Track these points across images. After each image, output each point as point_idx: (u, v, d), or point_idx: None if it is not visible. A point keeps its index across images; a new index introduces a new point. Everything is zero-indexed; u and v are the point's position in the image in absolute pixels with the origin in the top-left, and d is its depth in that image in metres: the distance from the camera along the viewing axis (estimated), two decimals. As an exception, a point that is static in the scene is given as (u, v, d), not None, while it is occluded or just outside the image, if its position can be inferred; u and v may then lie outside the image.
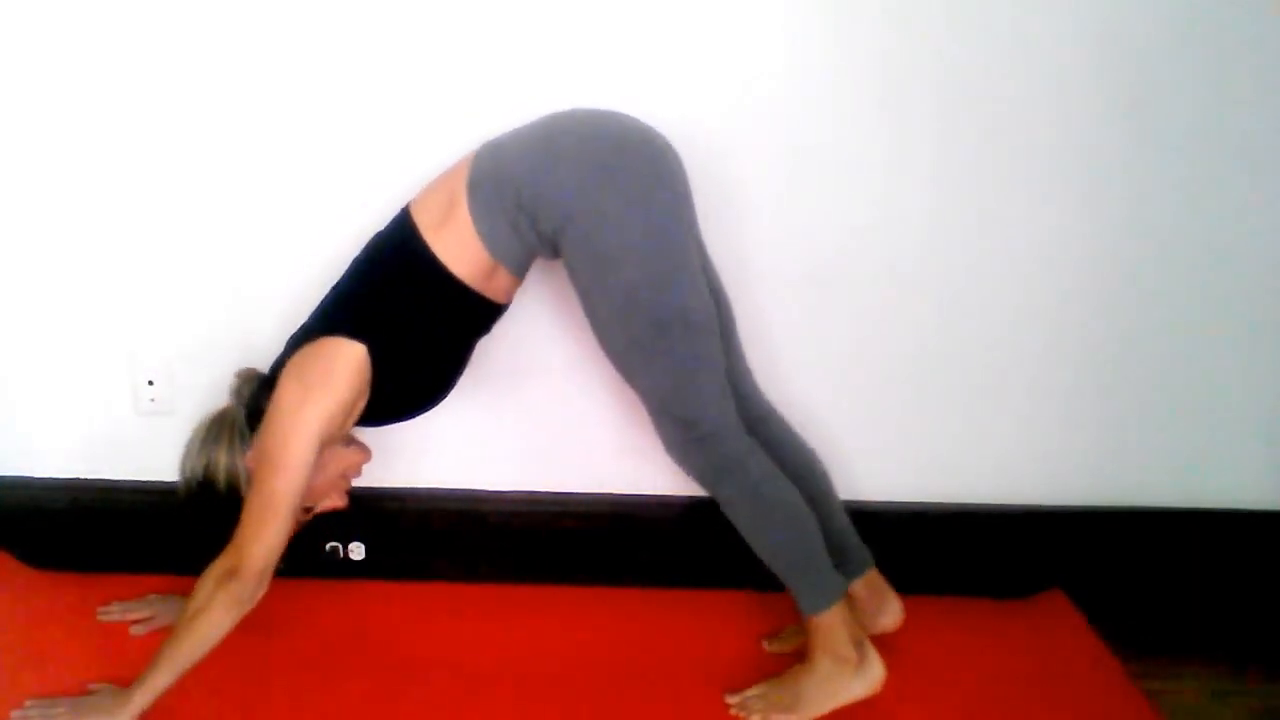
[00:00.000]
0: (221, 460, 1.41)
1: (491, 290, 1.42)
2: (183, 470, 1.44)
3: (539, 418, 1.77)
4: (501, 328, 1.64)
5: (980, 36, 1.56)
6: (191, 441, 1.44)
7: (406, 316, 1.38)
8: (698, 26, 1.55)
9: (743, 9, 1.54)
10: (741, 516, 1.45)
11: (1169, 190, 1.65)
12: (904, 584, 1.67)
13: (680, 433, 1.41)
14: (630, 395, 1.68)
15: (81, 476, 1.78)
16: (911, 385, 1.75)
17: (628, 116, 1.42)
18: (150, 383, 1.72)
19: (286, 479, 1.33)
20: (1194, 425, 1.78)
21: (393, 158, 1.58)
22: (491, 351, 1.68)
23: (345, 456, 1.51)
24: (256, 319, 1.66)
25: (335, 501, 1.55)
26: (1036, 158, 1.62)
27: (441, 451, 1.78)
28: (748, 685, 1.53)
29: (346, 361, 1.35)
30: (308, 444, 1.34)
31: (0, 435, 1.77)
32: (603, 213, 1.31)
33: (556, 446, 1.79)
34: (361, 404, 1.41)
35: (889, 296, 1.70)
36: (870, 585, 1.58)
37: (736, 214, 1.63)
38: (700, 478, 1.44)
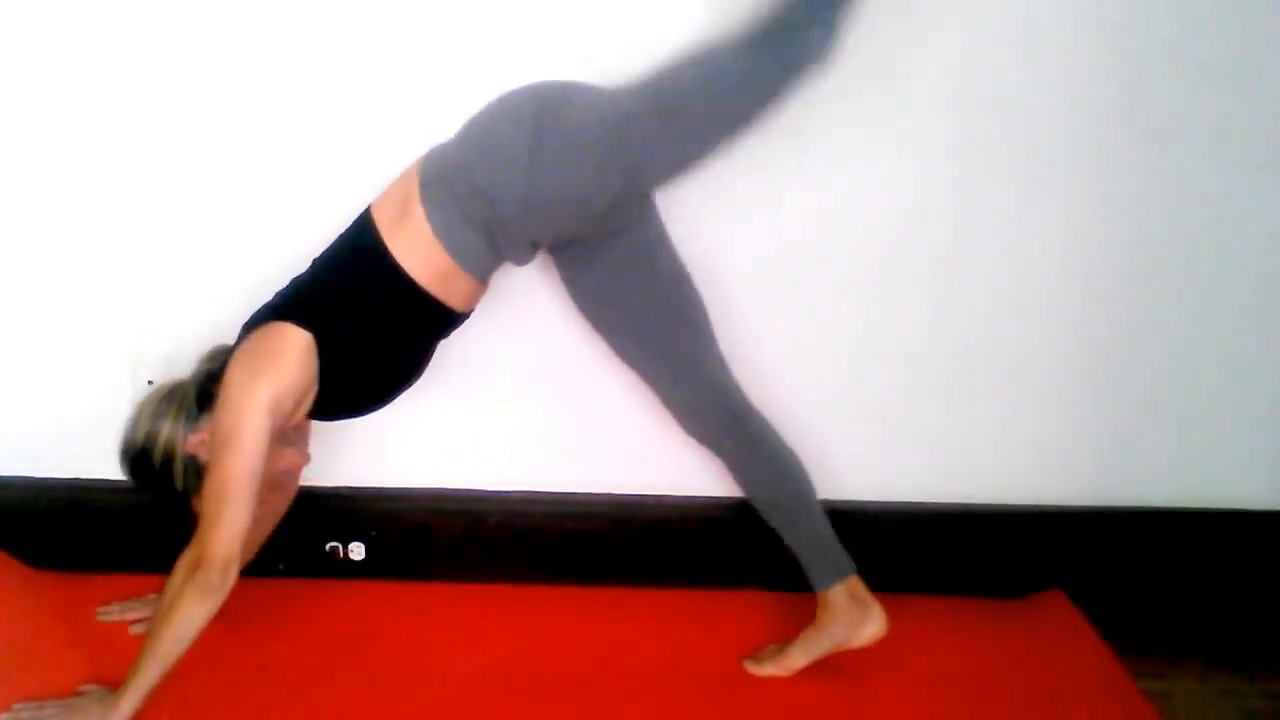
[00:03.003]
0: (163, 433, 1.40)
1: (449, 295, 1.41)
2: (125, 434, 1.43)
3: (540, 418, 1.77)
4: (502, 328, 1.64)
5: (981, 35, 1.56)
6: (140, 409, 1.44)
7: (355, 310, 1.38)
8: (691, 22, 1.54)
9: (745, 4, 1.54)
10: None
11: (1170, 190, 1.65)
12: (904, 584, 1.67)
13: (742, 53, 1.33)
14: (631, 396, 1.68)
15: (81, 476, 1.78)
16: (909, 385, 1.75)
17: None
18: (150, 383, 1.71)
19: (241, 460, 1.31)
20: (1194, 425, 1.79)
21: (394, 161, 1.58)
22: (492, 352, 1.68)
23: (286, 457, 1.49)
24: (256, 319, 1.66)
25: (271, 499, 1.54)
26: (1036, 157, 1.62)
27: (441, 451, 1.78)
28: (747, 684, 1.54)
29: (293, 345, 1.35)
30: (259, 422, 1.32)
31: (0, 435, 1.77)
32: (548, 148, 1.31)
33: (557, 446, 1.79)
34: (310, 394, 1.40)
35: (887, 296, 1.70)
36: (852, 593, 1.56)
37: (731, 213, 1.63)
38: (818, 52, 1.35)
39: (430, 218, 1.34)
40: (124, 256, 1.66)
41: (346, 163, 1.61)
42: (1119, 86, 1.59)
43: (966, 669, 1.61)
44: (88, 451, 1.76)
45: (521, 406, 1.76)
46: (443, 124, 1.51)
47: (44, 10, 1.53)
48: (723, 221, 1.63)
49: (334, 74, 1.57)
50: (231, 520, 1.31)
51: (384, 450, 1.74)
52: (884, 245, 1.67)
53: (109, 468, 1.76)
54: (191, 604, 1.30)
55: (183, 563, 1.34)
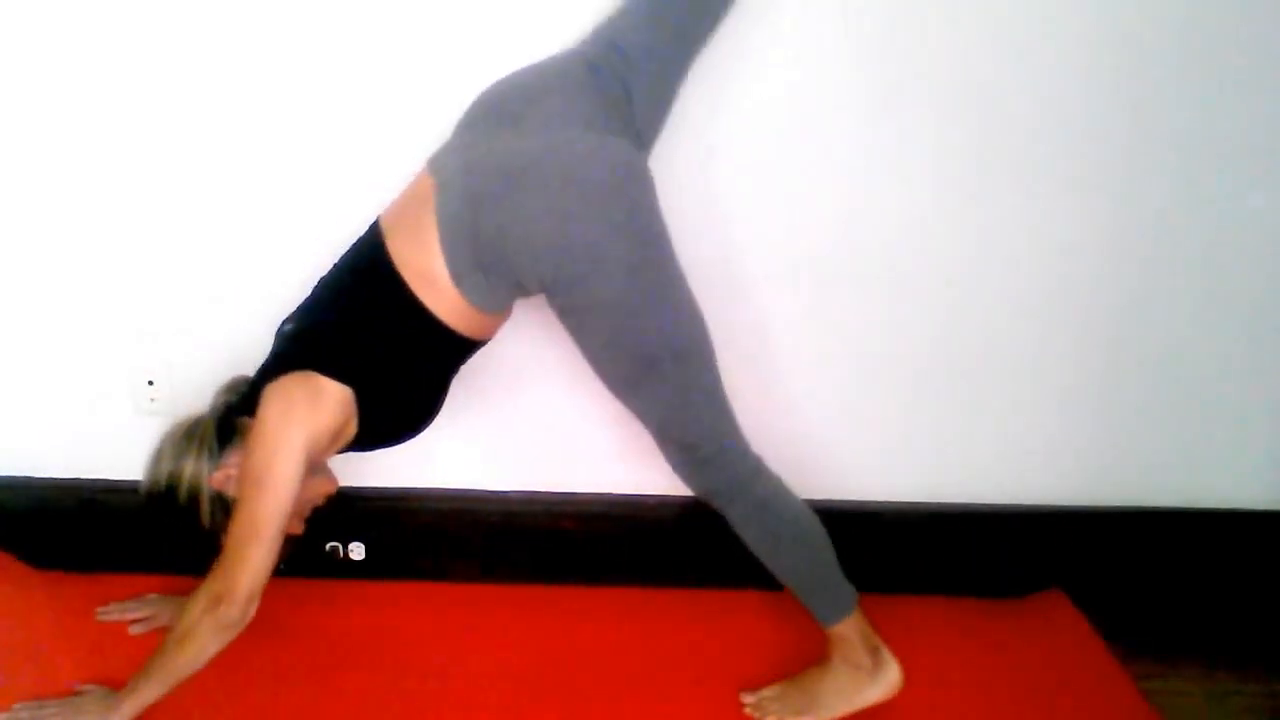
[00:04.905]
0: (187, 471, 1.37)
1: (477, 330, 1.40)
2: (148, 475, 1.41)
3: (539, 418, 1.77)
4: (503, 328, 1.64)
5: (978, 33, 1.56)
6: (161, 447, 1.41)
7: (395, 362, 1.36)
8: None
9: (737, 5, 1.54)
10: (751, 536, 1.44)
11: (1169, 189, 1.64)
12: (904, 584, 1.66)
13: (682, 455, 1.40)
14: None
15: (81, 476, 1.78)
16: (911, 385, 1.75)
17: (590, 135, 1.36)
18: (150, 383, 1.72)
19: (272, 501, 1.30)
20: (1194, 425, 1.78)
21: (395, 162, 1.58)
22: (493, 353, 1.68)
23: (315, 485, 1.47)
24: (257, 320, 1.65)
25: (292, 528, 1.51)
26: (1035, 155, 1.62)
27: (441, 451, 1.78)
28: (748, 684, 1.54)
29: (331, 397, 1.33)
30: (294, 466, 1.30)
31: (0, 435, 1.77)
32: (581, 267, 1.28)
33: (556, 446, 1.79)
34: (346, 436, 1.39)
35: (888, 295, 1.70)
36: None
37: (733, 212, 1.63)
38: (707, 498, 1.43)
39: (454, 276, 1.31)
40: (124, 257, 1.66)
41: (347, 165, 1.61)
42: (1123, 91, 1.59)
43: (966, 669, 1.61)
44: (88, 452, 1.77)
45: (522, 406, 1.76)
46: (442, 126, 1.52)
47: (48, 14, 1.53)
48: (735, 223, 1.63)
49: (335, 75, 1.57)
50: (258, 558, 1.30)
51: (384, 450, 1.74)
52: (884, 246, 1.67)
53: (109, 468, 1.77)
54: (208, 638, 1.30)
55: (202, 594, 1.31)
